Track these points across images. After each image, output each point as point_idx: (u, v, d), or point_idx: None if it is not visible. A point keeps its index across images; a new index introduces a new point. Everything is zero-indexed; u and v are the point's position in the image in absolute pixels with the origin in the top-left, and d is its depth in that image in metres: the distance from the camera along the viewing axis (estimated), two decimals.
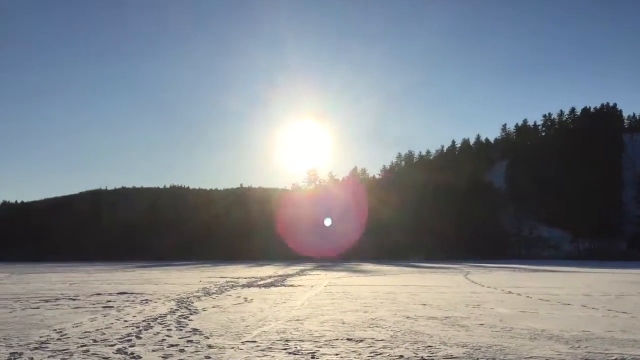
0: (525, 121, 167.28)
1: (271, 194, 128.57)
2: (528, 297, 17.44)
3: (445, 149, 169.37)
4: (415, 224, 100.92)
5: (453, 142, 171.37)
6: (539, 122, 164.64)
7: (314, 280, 27.98)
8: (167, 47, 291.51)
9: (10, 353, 8.12)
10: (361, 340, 9.15)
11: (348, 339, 9.28)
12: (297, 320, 11.78)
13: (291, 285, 23.97)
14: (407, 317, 12.16)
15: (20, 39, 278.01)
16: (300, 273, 37.09)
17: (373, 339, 9.32)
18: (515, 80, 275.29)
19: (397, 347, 8.59)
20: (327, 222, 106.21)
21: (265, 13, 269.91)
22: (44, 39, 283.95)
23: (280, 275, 33.55)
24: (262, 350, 8.33)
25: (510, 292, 19.31)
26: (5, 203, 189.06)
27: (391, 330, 10.25)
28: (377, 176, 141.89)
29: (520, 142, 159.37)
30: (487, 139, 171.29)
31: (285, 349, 8.44)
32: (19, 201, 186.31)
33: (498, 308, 14.06)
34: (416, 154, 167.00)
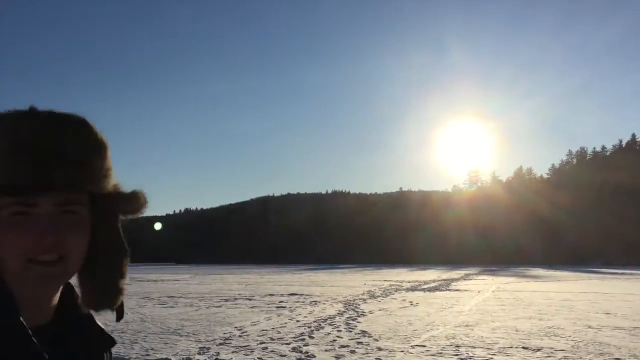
0: None
1: (431, 197, 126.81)
2: None
3: (624, 143, 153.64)
4: (591, 227, 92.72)
5: (633, 135, 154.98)
6: None
7: (480, 285, 27.02)
8: (321, 53, 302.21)
9: (200, 347, 8.92)
10: (538, 350, 8.62)
11: (524, 347, 8.80)
12: (467, 325, 11.45)
13: (457, 290, 23.39)
14: (589, 327, 11.23)
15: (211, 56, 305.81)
16: (465, 277, 36.05)
17: (552, 348, 8.74)
18: None
19: (581, 358, 7.96)
20: (489, 225, 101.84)
21: (424, 12, 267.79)
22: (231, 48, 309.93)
23: (444, 280, 32.92)
24: (433, 355, 8.22)
25: None
26: (187, 210, 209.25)
27: (571, 340, 9.53)
28: (545, 175, 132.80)
29: None
30: None
31: (456, 355, 8.24)
32: (198, 208, 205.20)
33: None
34: (589, 150, 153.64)
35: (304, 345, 9.00)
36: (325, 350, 8.60)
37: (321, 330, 10.75)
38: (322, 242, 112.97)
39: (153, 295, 20.55)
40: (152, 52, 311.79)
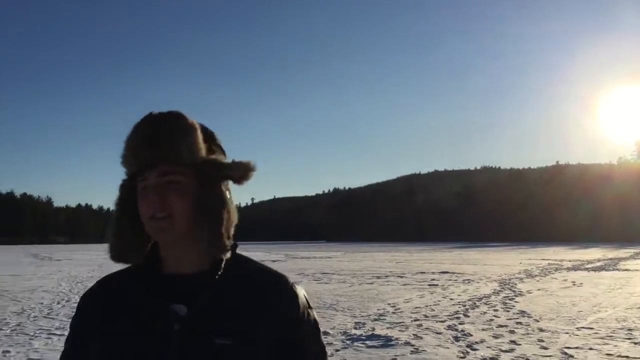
0: None
1: (591, 170, 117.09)
2: None
3: None
4: None
5: None
6: None
7: None
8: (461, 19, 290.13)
9: (355, 322, 9.18)
10: None
11: None
12: None
13: (626, 270, 21.50)
14: None
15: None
16: (635, 256, 32.95)
17: None
18: None
19: None
20: None
21: None
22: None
23: (610, 259, 30.40)
24: (602, 338, 7.68)
25: None
26: (336, 190, 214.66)
27: None
28: None
29: None
30: None
31: (629, 339, 7.62)
32: (346, 188, 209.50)
33: None
34: None
35: (460, 324, 8.87)
36: (482, 330, 8.41)
37: (476, 309, 10.53)
38: (471, 220, 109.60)
39: (307, 271, 21.50)
40: (295, 35, 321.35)
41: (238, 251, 1.20)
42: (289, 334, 1.14)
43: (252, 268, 1.19)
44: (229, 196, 1.16)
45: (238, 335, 1.08)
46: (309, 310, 1.19)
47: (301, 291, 1.20)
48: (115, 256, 1.16)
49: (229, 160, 1.16)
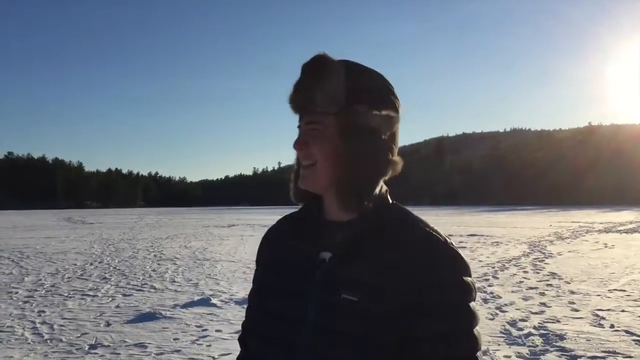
0: None
1: (625, 131, 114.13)
2: None
3: None
4: None
5: None
6: None
7: None
8: None
9: None
10: None
11: None
12: None
13: None
14: None
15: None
16: None
17: None
18: None
19: None
20: None
21: None
22: None
23: None
24: (635, 300, 7.53)
25: None
26: None
27: None
28: None
29: None
30: None
31: None
32: None
33: None
34: None
35: (489, 286, 8.79)
36: (512, 292, 8.32)
37: (506, 271, 10.42)
38: (500, 183, 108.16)
39: None
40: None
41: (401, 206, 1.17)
42: (418, 302, 1.01)
43: (403, 222, 1.12)
44: (381, 144, 1.10)
45: (366, 293, 1.02)
46: (456, 283, 1.02)
47: (456, 258, 1.05)
48: (292, 195, 1.21)
49: (377, 107, 1.09)
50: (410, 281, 1.01)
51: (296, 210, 1.25)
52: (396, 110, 1.13)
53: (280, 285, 1.13)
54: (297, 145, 1.11)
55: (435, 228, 1.11)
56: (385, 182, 1.16)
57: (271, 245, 1.25)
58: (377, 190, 1.11)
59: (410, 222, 1.12)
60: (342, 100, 1.08)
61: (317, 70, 1.09)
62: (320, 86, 1.07)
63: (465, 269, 1.05)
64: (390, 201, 1.16)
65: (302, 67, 1.11)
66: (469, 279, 1.05)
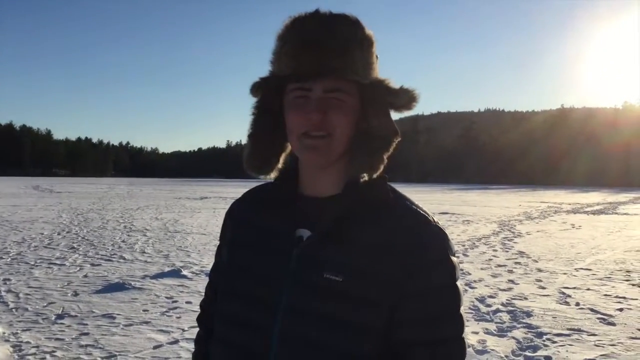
0: None
1: (596, 114, 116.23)
2: None
3: None
4: None
5: None
6: None
7: None
8: None
9: None
10: None
11: None
12: (639, 250, 10.57)
13: (625, 214, 21.59)
14: None
15: None
16: (634, 201, 33.08)
17: None
18: None
19: None
20: None
21: None
22: None
23: (609, 203, 30.53)
24: (600, 279, 7.71)
25: None
26: None
27: None
28: None
29: None
30: None
31: (627, 280, 7.66)
32: None
33: None
34: None
35: (459, 264, 8.89)
36: (481, 269, 8.44)
37: (475, 249, 10.57)
38: (473, 162, 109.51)
39: None
40: None
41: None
42: (406, 285, 0.95)
43: (390, 200, 1.03)
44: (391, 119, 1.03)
45: (349, 274, 0.95)
46: (445, 265, 0.98)
47: (445, 239, 1.00)
48: (249, 167, 1.07)
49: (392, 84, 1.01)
50: (398, 263, 0.95)
51: (264, 182, 1.14)
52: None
53: (252, 266, 1.04)
54: (315, 112, 0.96)
55: (421, 207, 1.05)
56: None
57: (237, 221, 1.14)
58: None
59: (397, 201, 1.04)
60: (375, 72, 1.00)
61: (354, 32, 0.97)
62: (359, 51, 0.96)
63: (451, 249, 1.01)
64: (382, 177, 1.06)
65: (327, 21, 0.97)
66: (455, 259, 1.01)
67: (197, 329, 1.26)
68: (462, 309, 1.00)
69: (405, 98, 1.01)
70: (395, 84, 1.01)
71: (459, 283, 1.00)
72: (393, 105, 1.02)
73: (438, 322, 0.96)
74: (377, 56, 1.02)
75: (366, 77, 0.97)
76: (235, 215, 1.16)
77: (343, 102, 0.97)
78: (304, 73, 0.95)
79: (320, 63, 0.94)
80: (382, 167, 1.01)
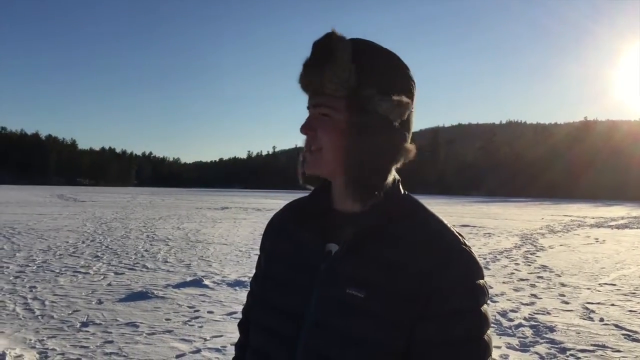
0: None
1: (620, 127, 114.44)
2: None
3: None
4: None
5: None
6: None
7: None
8: None
9: None
10: None
11: None
12: None
13: None
14: None
15: None
16: None
17: None
18: None
19: None
20: None
21: None
22: None
23: (634, 217, 29.97)
24: (624, 295, 7.59)
25: None
26: None
27: None
28: None
29: None
30: None
31: None
32: None
33: None
34: None
35: (487, 287, 8.81)
36: (503, 283, 8.37)
37: (497, 263, 10.48)
38: (494, 175, 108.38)
39: None
40: None
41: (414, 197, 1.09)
42: (428, 306, 0.94)
43: (415, 216, 1.03)
44: (392, 131, 1.01)
45: (372, 291, 0.95)
46: (469, 288, 0.95)
47: (470, 260, 0.98)
48: (300, 179, 1.13)
49: (388, 91, 1.00)
50: (420, 283, 0.94)
51: (302, 196, 1.18)
52: (410, 93, 1.04)
53: (283, 277, 1.08)
54: (303, 130, 1.04)
55: (448, 224, 1.04)
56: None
57: (276, 233, 1.18)
58: (388, 180, 1.04)
59: (423, 217, 1.03)
60: (352, 84, 0.99)
61: (326, 49, 0.99)
62: (329, 67, 0.98)
63: (478, 271, 0.99)
64: (402, 192, 1.08)
65: (313, 45, 1.02)
66: (481, 281, 0.98)
67: (224, 337, 1.30)
68: (488, 335, 0.97)
69: (395, 106, 1.00)
70: (380, 94, 1.00)
71: (485, 308, 0.98)
72: (387, 116, 1.00)
73: (457, 347, 0.94)
74: (375, 70, 1.01)
75: (344, 90, 0.99)
76: (275, 226, 1.20)
77: (328, 117, 1.02)
78: (304, 91, 1.05)
79: (306, 82, 1.03)
80: (383, 180, 1.02)
